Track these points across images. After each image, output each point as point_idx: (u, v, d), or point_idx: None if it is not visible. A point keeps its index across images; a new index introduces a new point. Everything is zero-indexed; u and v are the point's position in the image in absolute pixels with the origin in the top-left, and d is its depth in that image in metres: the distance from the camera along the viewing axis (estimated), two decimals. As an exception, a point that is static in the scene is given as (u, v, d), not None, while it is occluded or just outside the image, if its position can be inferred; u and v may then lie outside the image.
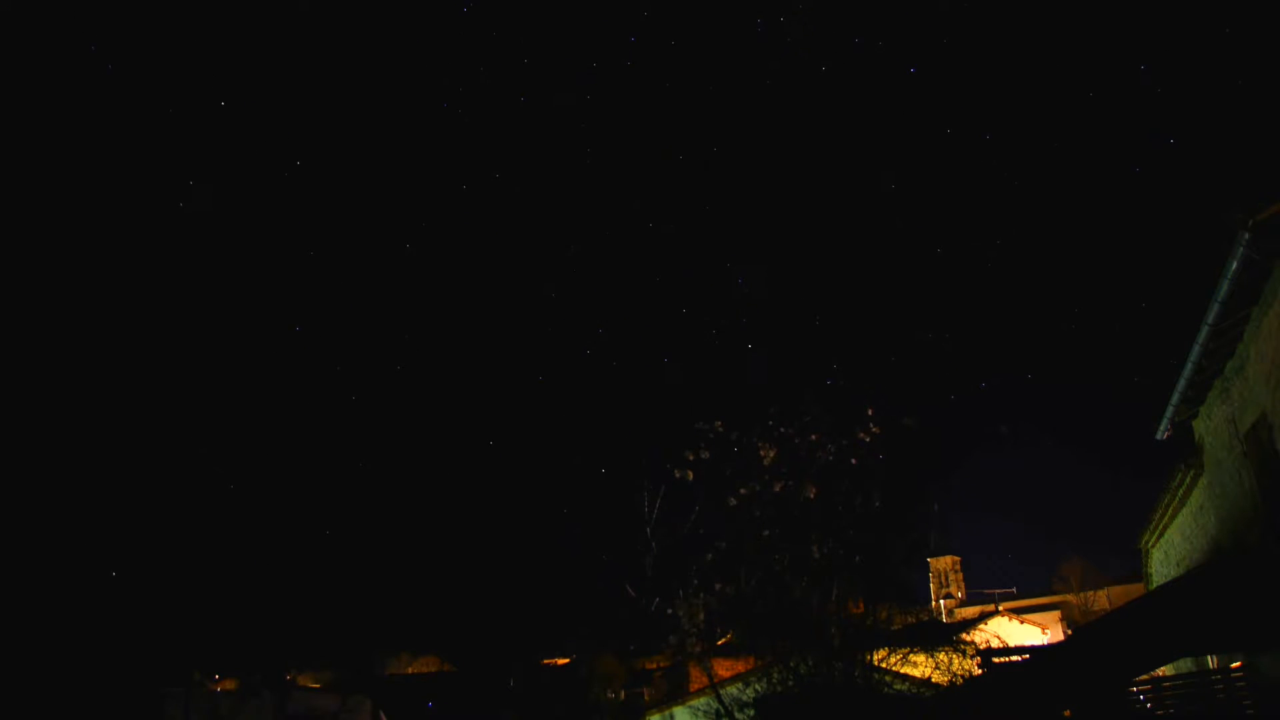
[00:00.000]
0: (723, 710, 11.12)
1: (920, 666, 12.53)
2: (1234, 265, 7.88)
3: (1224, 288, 8.23)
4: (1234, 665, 10.53)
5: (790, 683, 10.35)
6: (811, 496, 10.73)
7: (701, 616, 10.97)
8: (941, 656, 12.81)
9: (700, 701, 14.28)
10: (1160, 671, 10.65)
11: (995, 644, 14.21)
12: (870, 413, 10.95)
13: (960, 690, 10.74)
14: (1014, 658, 11.16)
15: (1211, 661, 12.30)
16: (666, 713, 21.07)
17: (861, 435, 10.83)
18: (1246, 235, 7.53)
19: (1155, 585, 17.89)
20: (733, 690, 11.66)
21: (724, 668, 13.05)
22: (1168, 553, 16.18)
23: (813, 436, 10.93)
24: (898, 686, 11.52)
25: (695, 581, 10.92)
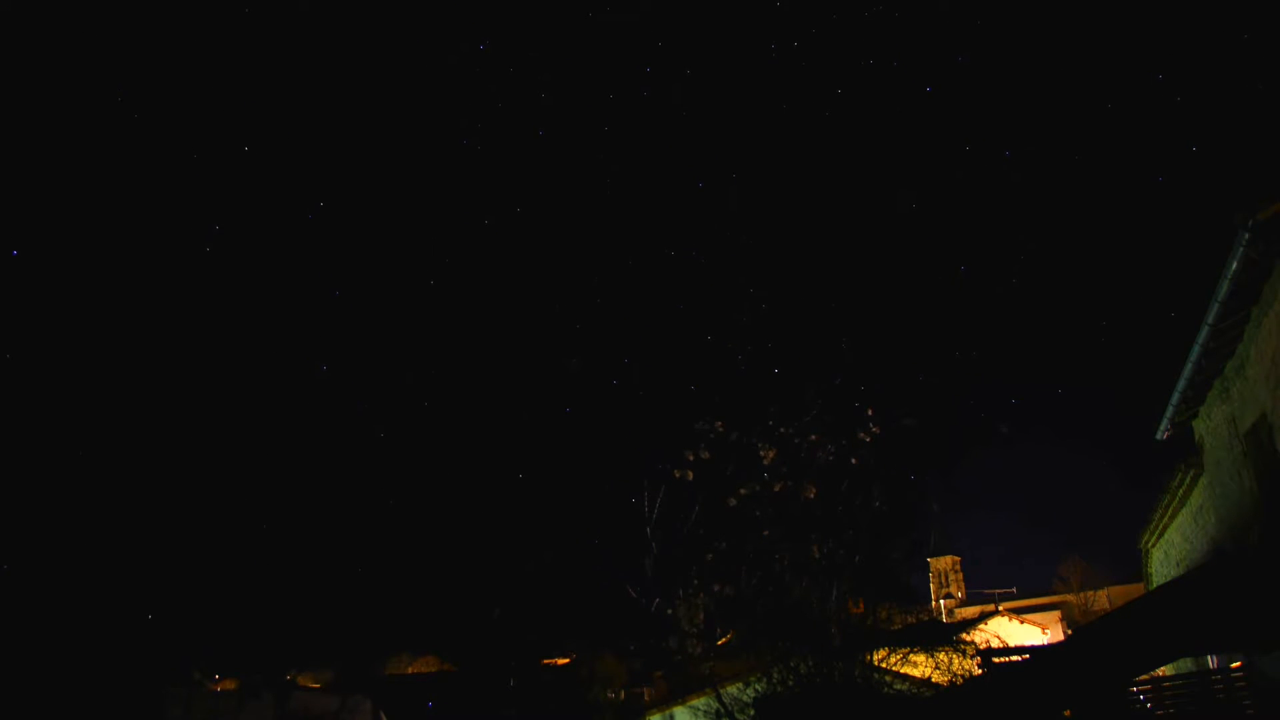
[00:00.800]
0: (723, 710, 11.11)
1: (920, 666, 12.54)
2: (1234, 265, 7.88)
3: (1224, 288, 8.23)
4: (1234, 665, 10.53)
5: (790, 683, 10.34)
6: (811, 496, 10.72)
7: (701, 617, 10.97)
8: (941, 656, 12.81)
9: (700, 701, 14.26)
10: (1160, 671, 10.64)
11: (995, 644, 14.23)
12: (870, 413, 10.95)
13: (960, 690, 10.73)
14: (1014, 658, 11.15)
15: (1211, 661, 12.30)
16: (666, 713, 21.02)
17: (861, 435, 10.83)
18: (1246, 235, 7.53)
19: (1155, 585, 17.89)
20: (733, 690, 11.65)
21: (724, 668, 13.03)
22: (1168, 553, 16.18)
23: (813, 436, 10.93)
24: (898, 686, 11.52)
25: (695, 581, 10.92)
